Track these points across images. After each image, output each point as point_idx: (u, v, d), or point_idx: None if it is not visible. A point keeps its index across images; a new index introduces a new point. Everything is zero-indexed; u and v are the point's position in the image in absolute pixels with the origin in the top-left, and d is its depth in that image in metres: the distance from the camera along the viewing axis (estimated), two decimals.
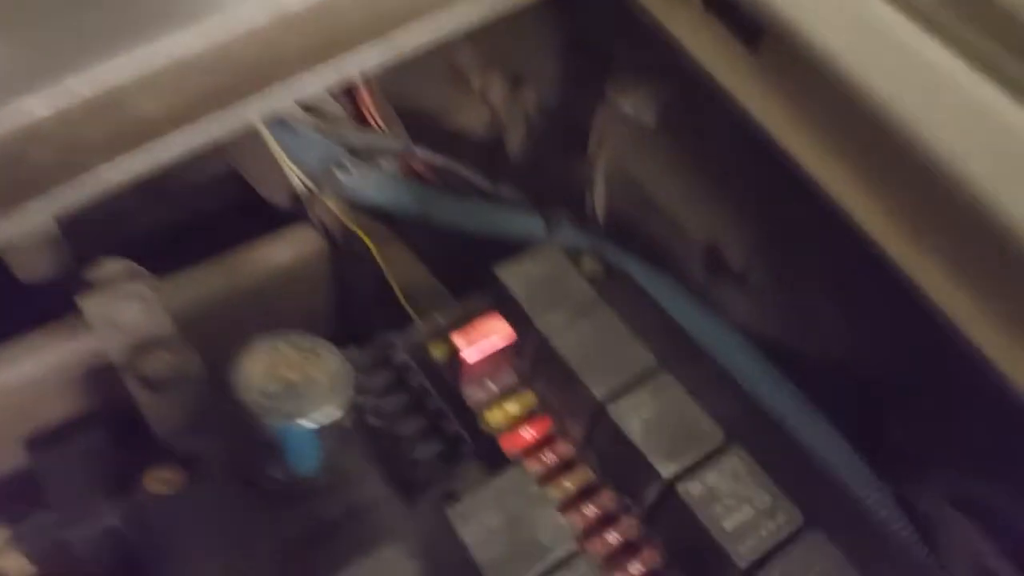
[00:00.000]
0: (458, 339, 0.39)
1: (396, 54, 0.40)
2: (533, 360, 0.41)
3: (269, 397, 0.34)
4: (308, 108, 0.51)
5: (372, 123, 0.53)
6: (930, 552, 0.40)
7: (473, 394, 0.40)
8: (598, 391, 0.38)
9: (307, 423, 0.34)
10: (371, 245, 0.51)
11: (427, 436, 0.39)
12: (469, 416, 0.39)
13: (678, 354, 0.47)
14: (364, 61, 0.38)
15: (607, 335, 0.40)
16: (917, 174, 0.32)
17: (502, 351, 0.40)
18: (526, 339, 0.40)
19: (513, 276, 0.41)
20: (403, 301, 0.51)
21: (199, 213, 0.52)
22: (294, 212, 0.53)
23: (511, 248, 0.51)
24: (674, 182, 0.53)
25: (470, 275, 0.46)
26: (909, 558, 0.39)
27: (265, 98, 0.35)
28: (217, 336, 0.50)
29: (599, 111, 0.54)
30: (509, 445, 0.39)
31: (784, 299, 0.48)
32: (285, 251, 0.52)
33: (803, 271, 0.46)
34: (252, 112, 0.35)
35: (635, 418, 0.38)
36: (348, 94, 0.52)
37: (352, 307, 0.55)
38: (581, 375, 0.39)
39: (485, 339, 0.39)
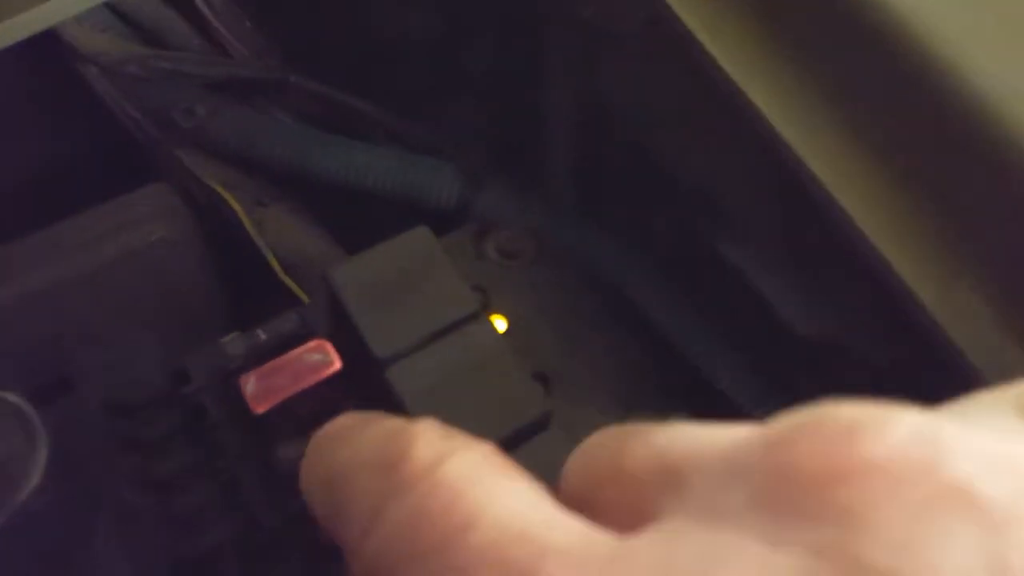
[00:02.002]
0: (246, 377, 0.27)
1: None
2: (377, 402, 0.28)
3: None
4: (147, 36, 0.39)
5: (234, 47, 0.40)
6: None
7: (291, 451, 0.28)
8: None
9: None
10: (236, 206, 0.39)
11: (214, 515, 0.27)
12: (277, 486, 0.28)
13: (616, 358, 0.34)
14: None
15: (480, 366, 0.27)
16: None
17: (313, 392, 0.27)
18: (365, 371, 0.28)
19: (351, 279, 0.29)
20: (282, 275, 0.39)
21: (18, 176, 0.41)
22: (143, 169, 0.41)
23: (426, 210, 0.39)
24: (657, 116, 0.38)
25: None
26: None
27: None
28: (51, 332, 0.40)
29: (550, 20, 0.40)
30: None
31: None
32: (134, 219, 0.41)
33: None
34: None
35: None
36: (193, 11, 0.39)
37: (234, 284, 0.43)
38: None
39: (285, 376, 0.27)
